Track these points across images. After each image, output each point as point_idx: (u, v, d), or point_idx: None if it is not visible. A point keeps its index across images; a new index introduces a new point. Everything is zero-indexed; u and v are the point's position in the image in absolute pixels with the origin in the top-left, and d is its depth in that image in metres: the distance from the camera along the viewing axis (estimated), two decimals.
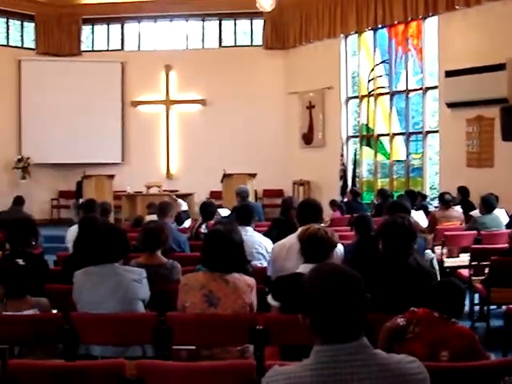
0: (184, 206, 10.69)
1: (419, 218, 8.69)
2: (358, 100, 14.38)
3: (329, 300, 1.79)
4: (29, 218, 5.22)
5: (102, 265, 3.84)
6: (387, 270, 3.65)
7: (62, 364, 3.20)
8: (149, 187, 13.34)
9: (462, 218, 8.66)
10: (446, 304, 3.23)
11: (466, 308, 6.52)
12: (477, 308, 6.51)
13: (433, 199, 12.21)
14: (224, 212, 8.29)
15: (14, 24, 15.60)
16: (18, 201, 9.66)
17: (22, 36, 15.71)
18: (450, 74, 11.42)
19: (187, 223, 8.86)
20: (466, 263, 6.68)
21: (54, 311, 3.91)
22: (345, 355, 1.77)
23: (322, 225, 4.26)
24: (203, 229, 6.69)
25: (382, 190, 10.76)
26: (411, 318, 3.23)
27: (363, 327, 1.84)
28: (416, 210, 9.01)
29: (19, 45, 15.65)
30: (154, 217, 7.27)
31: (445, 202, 8.68)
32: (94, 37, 16.37)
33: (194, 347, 3.51)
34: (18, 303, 3.71)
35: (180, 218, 8.55)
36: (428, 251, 5.93)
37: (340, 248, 4.60)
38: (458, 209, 9.11)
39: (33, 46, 15.68)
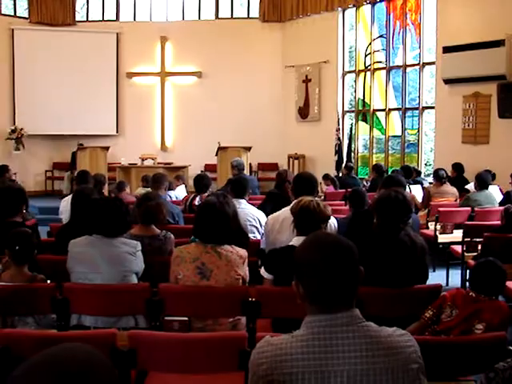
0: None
1: (417, 192, 8.72)
2: (354, 74, 14.29)
3: (323, 267, 1.79)
4: (15, 187, 5.09)
5: (99, 236, 3.83)
6: (380, 244, 3.65)
7: (55, 334, 3.21)
8: (143, 159, 13.29)
9: (457, 194, 8.68)
10: (486, 284, 3.25)
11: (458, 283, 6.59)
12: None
13: (427, 175, 12.22)
14: None
15: None
16: (1, 170, 9.54)
17: (14, 4, 15.45)
18: (447, 49, 11.34)
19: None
20: (460, 239, 6.71)
21: (47, 281, 3.90)
22: (336, 326, 1.77)
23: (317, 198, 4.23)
24: (197, 201, 6.68)
25: (377, 165, 10.74)
26: (440, 304, 3.28)
27: (355, 298, 1.84)
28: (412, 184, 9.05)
29: (12, 13, 15.40)
30: (147, 190, 7.24)
31: (439, 178, 8.68)
32: (89, 7, 16.11)
33: (186, 318, 3.51)
34: (14, 273, 3.70)
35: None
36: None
37: (334, 221, 4.60)
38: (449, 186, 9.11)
39: (26, 14, 15.43)
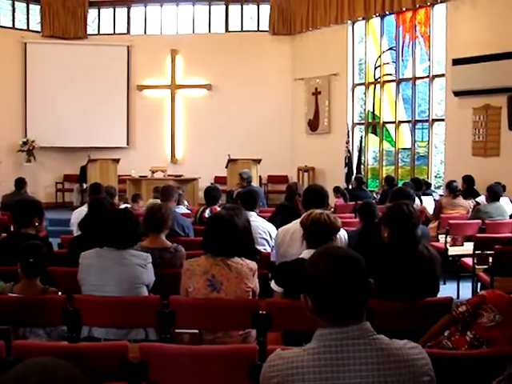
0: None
1: (428, 204, 8.68)
2: (364, 87, 14.30)
3: (333, 281, 1.80)
4: (31, 199, 5.18)
5: (110, 248, 3.85)
6: (395, 257, 3.62)
7: (66, 346, 3.21)
8: (154, 171, 13.34)
9: (468, 207, 8.61)
10: None
11: (469, 296, 6.54)
12: None
13: (437, 187, 12.18)
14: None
15: (20, 6, 15.50)
16: (19, 183, 9.64)
17: (27, 18, 15.62)
18: (457, 62, 11.34)
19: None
20: (470, 252, 6.67)
21: (59, 293, 3.91)
22: (347, 339, 1.77)
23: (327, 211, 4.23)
24: (207, 213, 6.69)
25: (389, 177, 10.70)
26: (478, 303, 3.10)
27: (365, 311, 1.84)
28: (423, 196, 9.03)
29: (25, 27, 15.57)
30: (157, 201, 7.27)
31: (452, 190, 8.64)
32: (100, 20, 16.28)
33: (196, 331, 3.51)
34: (25, 286, 3.71)
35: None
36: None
37: (344, 234, 4.59)
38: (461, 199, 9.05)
39: (38, 28, 15.59)
